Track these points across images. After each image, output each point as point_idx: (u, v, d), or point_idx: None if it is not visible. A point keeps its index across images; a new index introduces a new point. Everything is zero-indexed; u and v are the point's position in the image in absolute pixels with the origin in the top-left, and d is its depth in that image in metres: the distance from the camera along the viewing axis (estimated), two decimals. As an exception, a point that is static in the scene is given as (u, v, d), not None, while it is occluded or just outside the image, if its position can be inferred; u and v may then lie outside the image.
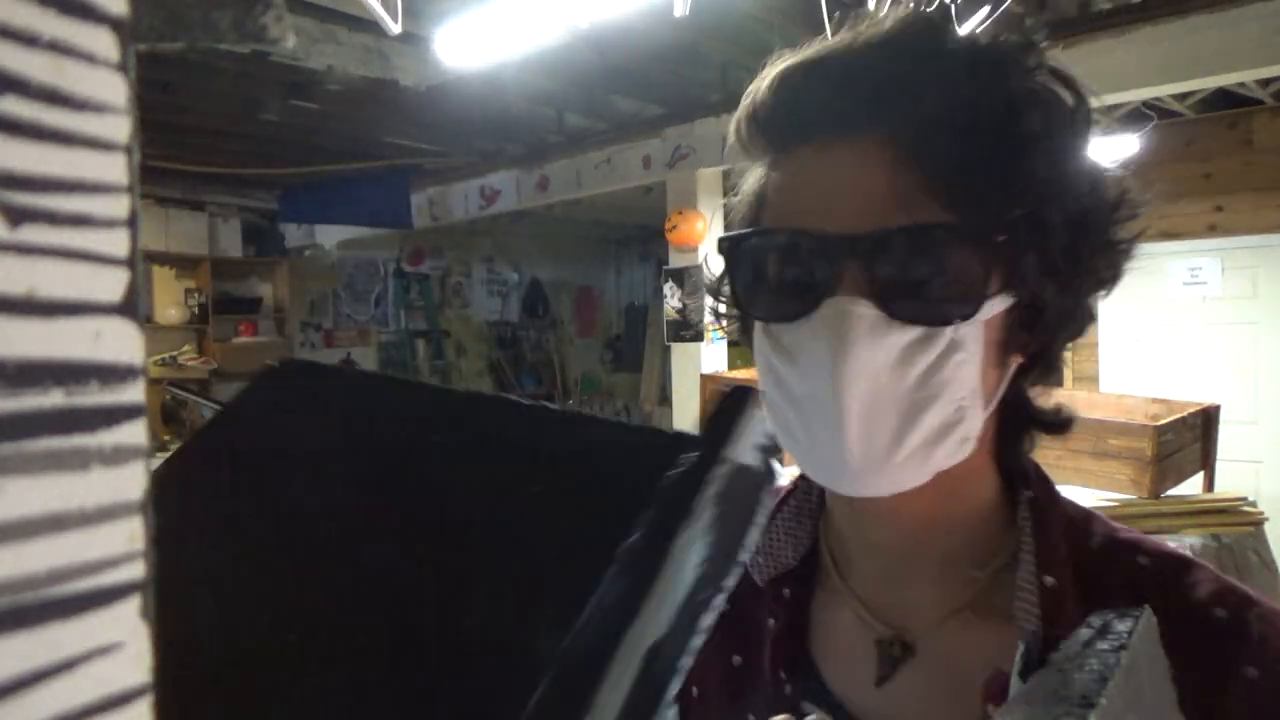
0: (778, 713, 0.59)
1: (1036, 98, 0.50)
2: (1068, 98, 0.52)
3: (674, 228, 4.36)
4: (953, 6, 2.30)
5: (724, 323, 0.65)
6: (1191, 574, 0.54)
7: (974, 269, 0.49)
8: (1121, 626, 0.30)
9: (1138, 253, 0.56)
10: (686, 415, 4.20)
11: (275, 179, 5.91)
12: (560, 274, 8.36)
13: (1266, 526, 2.67)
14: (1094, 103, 0.53)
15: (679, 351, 4.50)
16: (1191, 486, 2.72)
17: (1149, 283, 5.06)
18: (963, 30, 0.50)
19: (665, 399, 6.65)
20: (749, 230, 0.56)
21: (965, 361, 0.50)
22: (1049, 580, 0.53)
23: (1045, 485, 0.59)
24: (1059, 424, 0.60)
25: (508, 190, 5.29)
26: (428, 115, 4.61)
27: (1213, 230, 4.89)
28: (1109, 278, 0.56)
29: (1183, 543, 2.39)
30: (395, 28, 1.98)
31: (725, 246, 0.57)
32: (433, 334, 7.57)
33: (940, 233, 0.49)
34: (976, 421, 0.52)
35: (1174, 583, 0.54)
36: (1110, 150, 4.26)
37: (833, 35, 0.54)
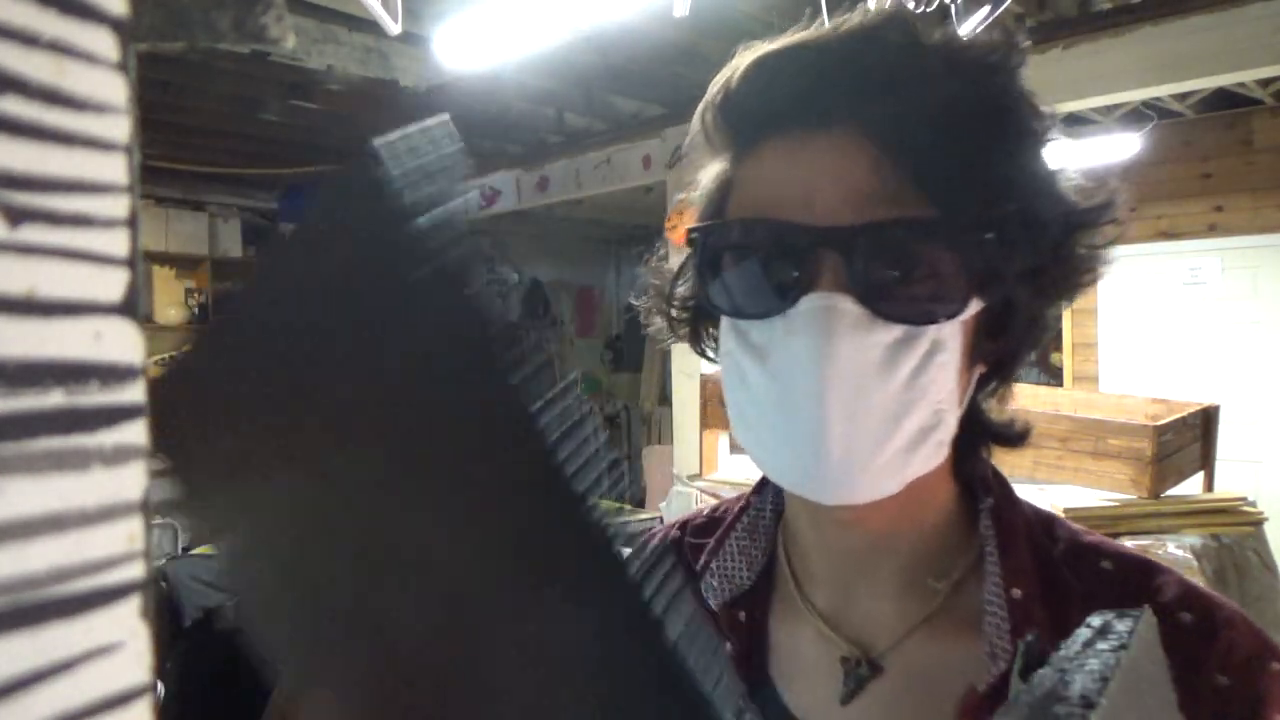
0: None
1: (1018, 99, 0.50)
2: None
3: (674, 227, 4.36)
4: (953, 6, 2.30)
5: (675, 327, 0.62)
6: (1156, 577, 0.54)
7: (958, 267, 0.48)
8: (1121, 626, 0.30)
9: (1117, 257, 0.56)
10: (686, 415, 4.20)
11: (275, 179, 5.91)
12: (560, 274, 8.36)
13: (1266, 526, 2.67)
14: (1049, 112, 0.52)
15: (679, 351, 4.50)
16: (1191, 486, 2.72)
17: (1149, 283, 5.06)
18: (962, 31, 0.50)
19: (665, 399, 6.65)
20: (725, 221, 0.54)
21: (947, 363, 0.49)
22: (1016, 593, 0.52)
23: (1005, 491, 0.58)
24: (1015, 436, 0.58)
25: (508, 190, 5.29)
26: (428, 115, 4.59)
27: (1213, 230, 4.89)
28: (1085, 282, 0.55)
29: (1182, 543, 2.40)
30: (395, 28, 1.97)
31: (697, 236, 0.54)
32: (433, 334, 7.56)
33: (926, 228, 0.48)
34: (952, 426, 0.51)
35: (1139, 587, 0.53)
36: (1110, 151, 4.26)
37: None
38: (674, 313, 0.62)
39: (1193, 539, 2.43)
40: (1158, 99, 4.23)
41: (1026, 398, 3.06)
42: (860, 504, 0.51)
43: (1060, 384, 5.36)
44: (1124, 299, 5.14)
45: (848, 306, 0.47)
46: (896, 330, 0.48)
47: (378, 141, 0.20)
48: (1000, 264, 0.49)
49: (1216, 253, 4.88)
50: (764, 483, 0.65)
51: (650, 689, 0.19)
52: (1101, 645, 0.28)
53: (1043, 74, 3.25)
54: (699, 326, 0.61)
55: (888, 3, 2.10)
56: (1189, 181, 4.92)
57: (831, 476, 0.49)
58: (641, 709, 0.19)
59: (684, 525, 0.70)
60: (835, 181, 0.48)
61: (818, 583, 0.59)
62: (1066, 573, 0.54)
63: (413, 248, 0.19)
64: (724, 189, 0.55)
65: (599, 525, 0.19)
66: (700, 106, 0.56)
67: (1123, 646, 0.28)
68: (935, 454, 0.51)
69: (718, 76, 0.55)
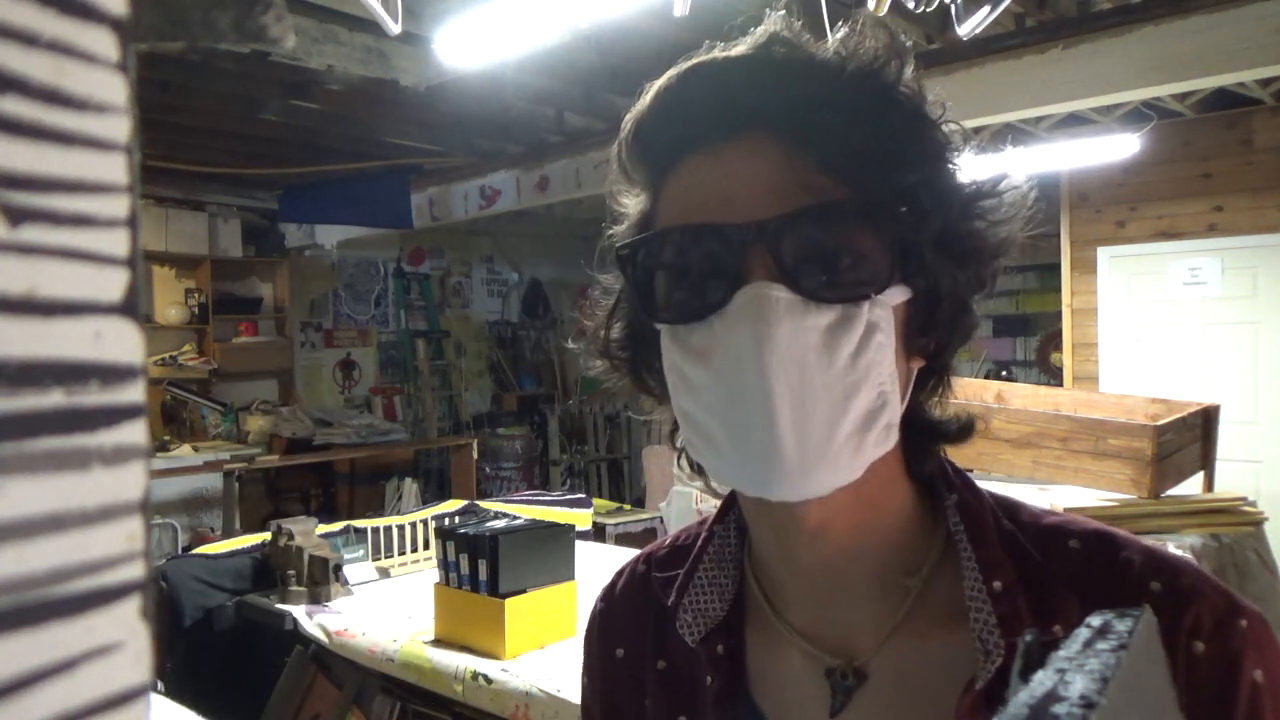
0: None
1: (908, 94, 0.53)
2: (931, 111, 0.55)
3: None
4: (953, 6, 2.30)
5: (617, 367, 0.63)
6: (1121, 551, 0.56)
7: (878, 243, 0.51)
8: (1121, 626, 0.30)
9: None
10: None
11: (275, 179, 5.91)
12: (560, 274, 8.36)
13: (1266, 526, 2.67)
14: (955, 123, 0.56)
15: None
16: (1191, 486, 2.72)
17: (1149, 283, 5.06)
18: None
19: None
20: (654, 231, 0.56)
21: (884, 344, 0.51)
22: (997, 585, 0.54)
23: (967, 484, 0.60)
24: (960, 432, 0.61)
25: (508, 190, 5.29)
26: (428, 115, 4.60)
27: (1213, 230, 4.89)
28: (989, 275, 0.57)
29: (1183, 542, 2.40)
30: (395, 28, 1.97)
31: (625, 252, 0.56)
32: (433, 334, 7.57)
33: (842, 209, 0.50)
34: (897, 409, 0.53)
35: (1108, 561, 0.55)
36: (1109, 150, 4.26)
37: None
38: (613, 352, 0.63)
39: (1193, 539, 2.43)
40: (1158, 99, 4.23)
41: (1026, 398, 3.06)
42: (814, 509, 0.53)
43: (1060, 384, 5.36)
44: (1124, 299, 5.14)
45: (781, 294, 0.50)
46: (831, 311, 0.50)
47: None
48: (915, 233, 0.52)
49: (1216, 253, 4.89)
50: (726, 510, 0.66)
51: None
52: (1101, 645, 0.28)
53: (1043, 74, 3.25)
54: (638, 364, 0.62)
55: (886, 5, 2.10)
56: (1189, 181, 4.92)
57: (789, 467, 0.50)
58: None
59: (648, 559, 0.71)
60: (752, 180, 0.52)
61: (791, 601, 0.60)
62: (1038, 557, 0.56)
63: None
64: (648, 215, 0.58)
65: None
66: (615, 146, 0.59)
67: (1123, 646, 0.28)
68: (886, 437, 0.53)
69: (628, 114, 0.58)
